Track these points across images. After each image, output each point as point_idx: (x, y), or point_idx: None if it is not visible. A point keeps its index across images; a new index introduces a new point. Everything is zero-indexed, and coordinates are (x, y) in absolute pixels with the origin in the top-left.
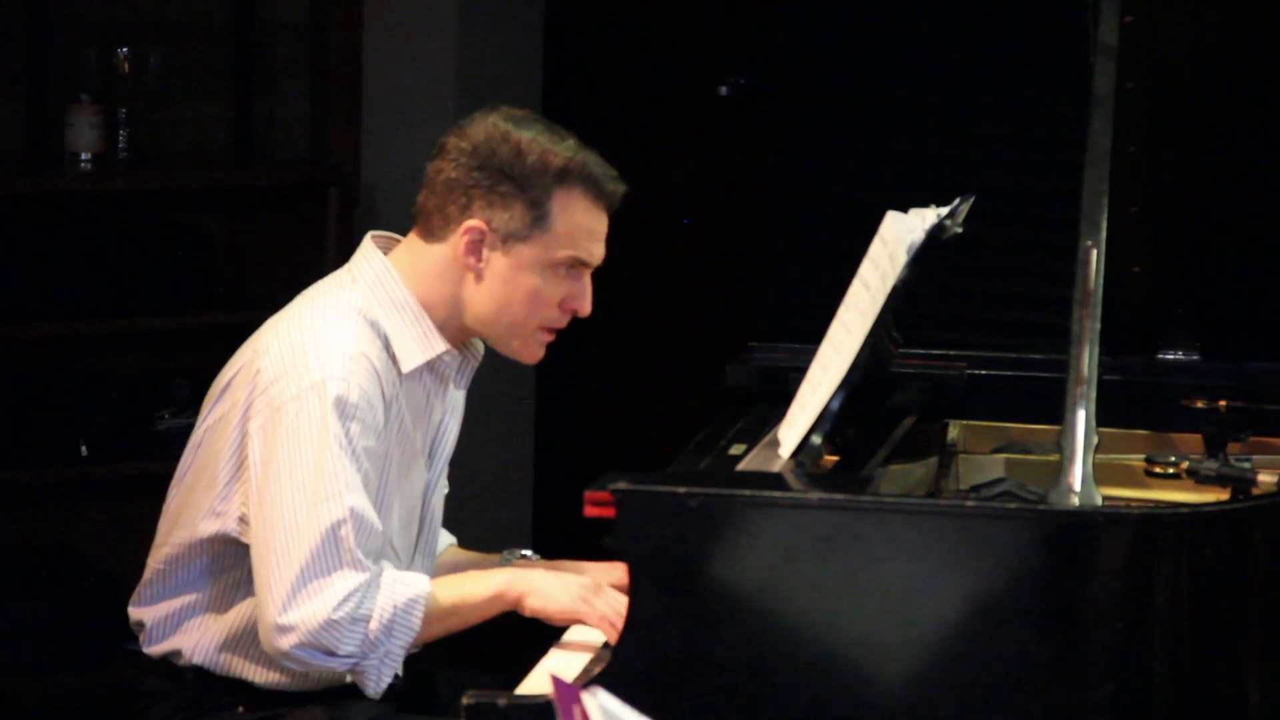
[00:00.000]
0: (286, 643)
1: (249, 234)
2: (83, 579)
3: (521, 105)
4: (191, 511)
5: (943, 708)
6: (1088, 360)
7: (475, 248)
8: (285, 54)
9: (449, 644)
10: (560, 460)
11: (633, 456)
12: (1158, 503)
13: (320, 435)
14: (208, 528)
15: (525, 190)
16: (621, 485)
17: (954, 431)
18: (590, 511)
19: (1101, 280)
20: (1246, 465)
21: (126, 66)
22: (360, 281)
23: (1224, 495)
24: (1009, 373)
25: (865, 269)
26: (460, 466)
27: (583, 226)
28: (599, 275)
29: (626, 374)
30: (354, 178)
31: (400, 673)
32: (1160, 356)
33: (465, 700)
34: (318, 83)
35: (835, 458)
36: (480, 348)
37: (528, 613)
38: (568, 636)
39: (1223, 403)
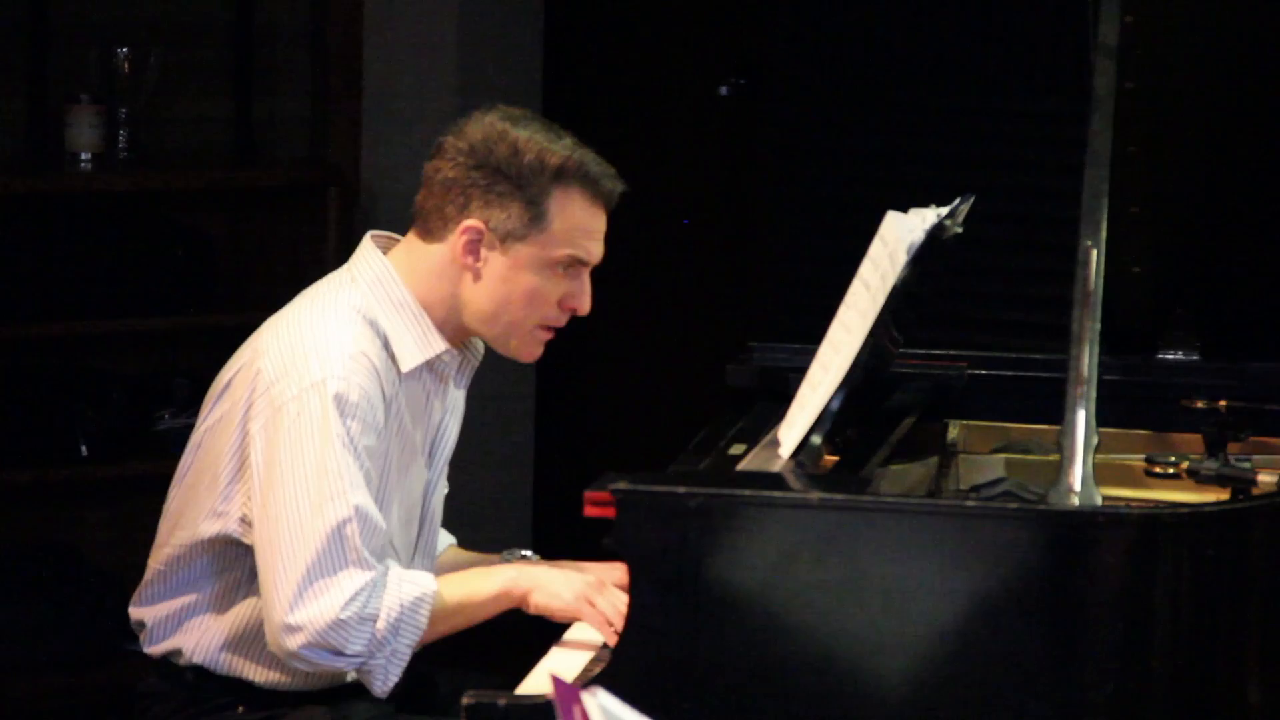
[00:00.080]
0: (294, 643)
1: (249, 234)
2: (83, 579)
3: (521, 105)
4: (192, 512)
5: (943, 708)
6: (1088, 360)
7: (473, 247)
8: (285, 54)
9: (449, 644)
10: (560, 460)
11: (633, 456)
12: (1158, 503)
13: (322, 434)
14: (209, 528)
15: (523, 189)
16: (621, 485)
17: (954, 431)
18: (590, 511)
19: (1101, 280)
20: (1246, 465)
21: (126, 66)
22: (359, 281)
23: (1224, 495)
24: (1009, 373)
25: (865, 269)
26: (460, 466)
27: (580, 225)
28: (599, 275)
29: (626, 374)
30: (354, 178)
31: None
32: (1160, 356)
33: (465, 700)
34: (318, 83)
35: (835, 458)
36: (480, 347)
37: (532, 609)
38: (568, 636)
39: (1223, 403)
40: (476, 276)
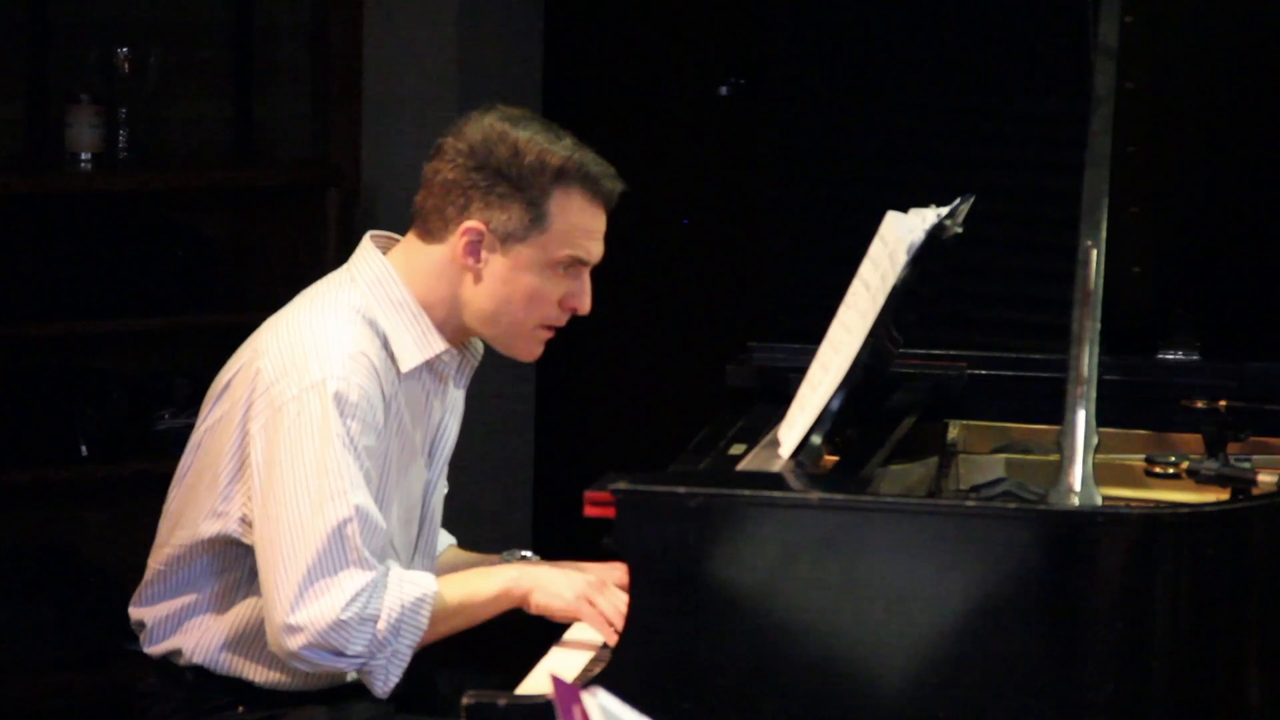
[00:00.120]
0: (295, 643)
1: (249, 234)
2: (83, 579)
3: (521, 105)
4: (192, 512)
5: (943, 708)
6: (1088, 360)
7: (474, 249)
8: (285, 54)
9: (449, 644)
10: (560, 460)
11: (633, 456)
12: (1158, 503)
13: (322, 434)
14: (209, 528)
15: (523, 191)
16: (621, 485)
17: (954, 431)
18: (590, 511)
19: (1101, 280)
20: (1246, 465)
21: (126, 66)
22: (359, 281)
23: (1224, 495)
24: (1009, 373)
25: (865, 269)
26: (460, 466)
27: (581, 225)
28: (599, 275)
29: (626, 374)
30: (354, 178)
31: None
32: (1160, 356)
33: (465, 700)
34: (318, 83)
35: (835, 458)
36: (479, 347)
37: (533, 609)
38: (568, 636)
39: (1223, 403)
40: (477, 278)
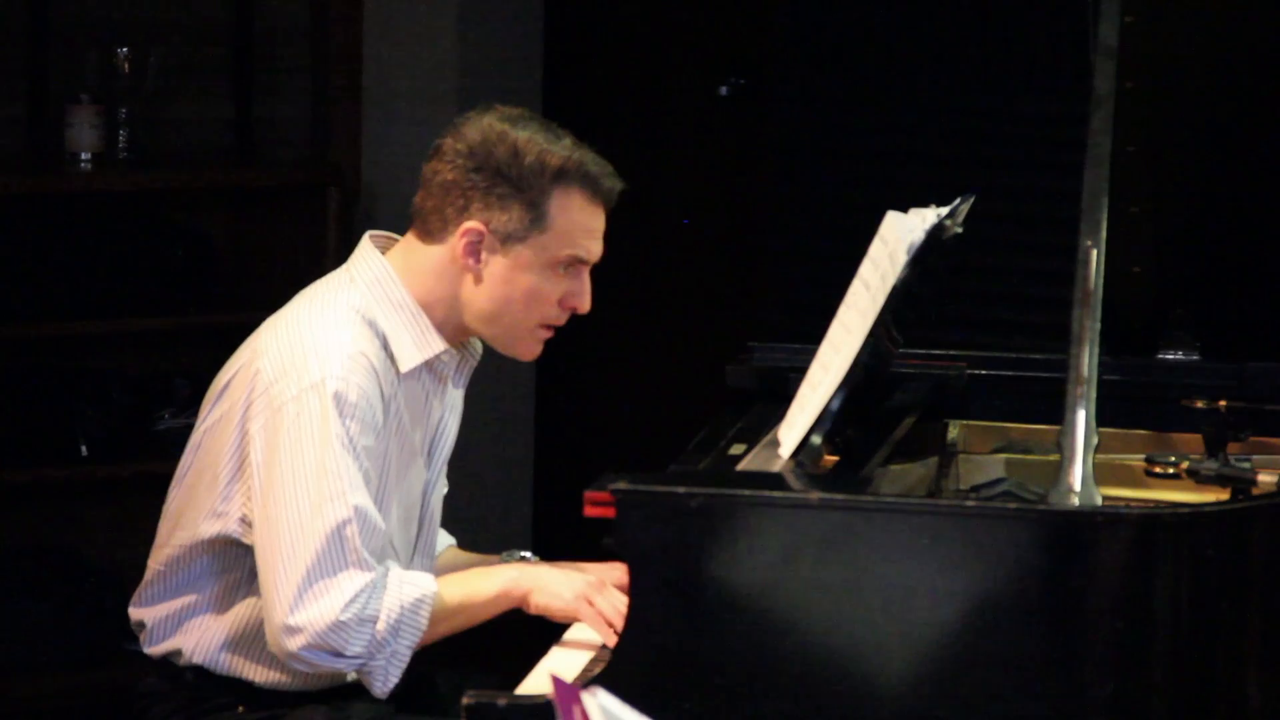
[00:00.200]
0: (294, 644)
1: (249, 234)
2: (83, 579)
3: (521, 105)
4: (192, 512)
5: (942, 707)
6: (1088, 360)
7: (474, 249)
8: (285, 54)
9: (449, 644)
10: (560, 460)
11: (633, 456)
12: (1158, 503)
13: (322, 434)
14: (209, 528)
15: (523, 191)
16: (621, 485)
17: (954, 431)
18: (590, 511)
19: (1101, 280)
20: (1246, 465)
21: (126, 66)
22: (358, 281)
23: (1224, 495)
24: (1009, 373)
25: (865, 269)
26: (460, 466)
27: (581, 225)
28: (599, 275)
29: (626, 374)
30: (354, 178)
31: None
32: (1160, 356)
33: (465, 700)
34: (318, 83)
35: (835, 458)
36: (479, 347)
37: (532, 610)
38: (568, 636)
39: (1223, 403)
40: (477, 278)
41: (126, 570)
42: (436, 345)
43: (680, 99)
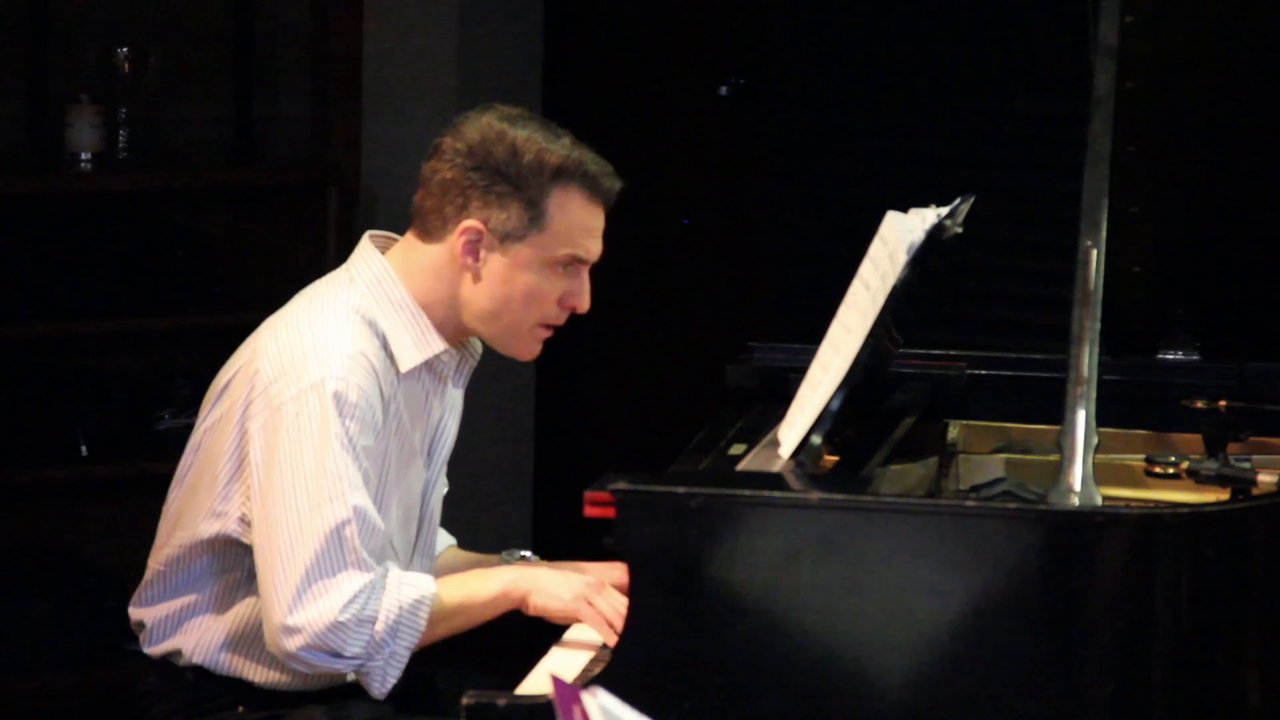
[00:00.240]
0: (293, 644)
1: (249, 234)
2: (83, 579)
3: (521, 105)
4: (192, 512)
5: (942, 707)
6: (1088, 360)
7: (473, 248)
8: (285, 54)
9: (449, 644)
10: (560, 460)
11: (633, 456)
12: (1158, 503)
13: (321, 435)
14: (208, 528)
15: (522, 189)
16: (621, 485)
17: (954, 431)
18: (590, 511)
19: (1101, 280)
20: (1246, 465)
21: (126, 66)
22: (358, 281)
23: (1224, 495)
24: (1009, 373)
25: (865, 269)
26: (460, 466)
27: (580, 224)
28: (599, 275)
29: (626, 374)
30: (354, 178)
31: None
32: (1160, 356)
33: (465, 700)
34: (318, 83)
35: (835, 458)
36: (478, 347)
37: (531, 611)
38: (568, 636)
39: (1223, 403)
40: (476, 277)
41: (126, 570)
42: (436, 345)
43: (680, 99)
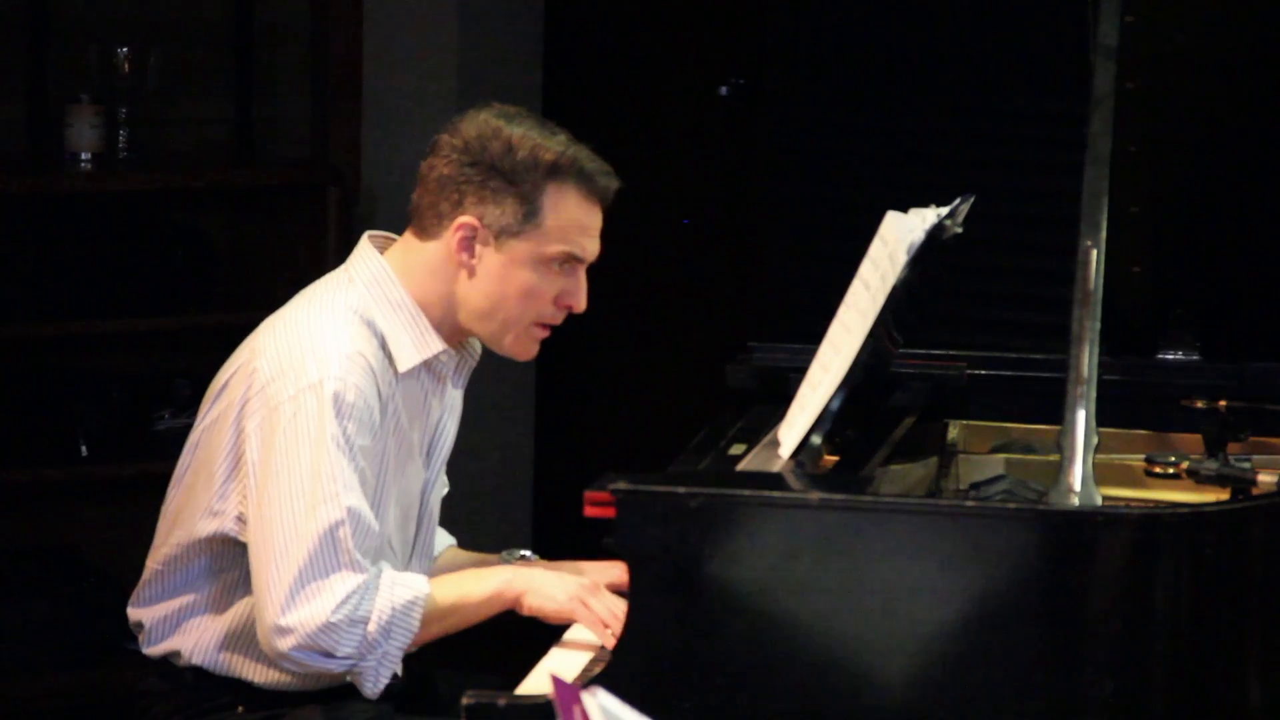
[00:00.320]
0: (285, 644)
1: (249, 234)
2: (83, 579)
3: (521, 105)
4: (189, 511)
5: (942, 707)
6: (1088, 360)
7: (468, 244)
8: (285, 54)
9: (449, 644)
10: (560, 460)
11: (633, 456)
12: (1158, 503)
13: (317, 435)
14: (206, 527)
15: (516, 185)
16: (621, 485)
17: (954, 431)
18: (590, 511)
19: (1101, 280)
20: (1246, 465)
21: (126, 66)
22: (357, 281)
23: (1224, 495)
24: (1009, 373)
25: (865, 269)
26: (460, 466)
27: (575, 221)
28: (599, 274)
29: (626, 374)
30: (354, 178)
31: (399, 672)
32: (1160, 356)
33: (465, 700)
34: (318, 83)
35: (835, 458)
36: (477, 347)
37: (525, 611)
38: (568, 636)
39: (1223, 403)
40: (471, 273)
41: (126, 570)
42: (435, 345)
43: (680, 99)
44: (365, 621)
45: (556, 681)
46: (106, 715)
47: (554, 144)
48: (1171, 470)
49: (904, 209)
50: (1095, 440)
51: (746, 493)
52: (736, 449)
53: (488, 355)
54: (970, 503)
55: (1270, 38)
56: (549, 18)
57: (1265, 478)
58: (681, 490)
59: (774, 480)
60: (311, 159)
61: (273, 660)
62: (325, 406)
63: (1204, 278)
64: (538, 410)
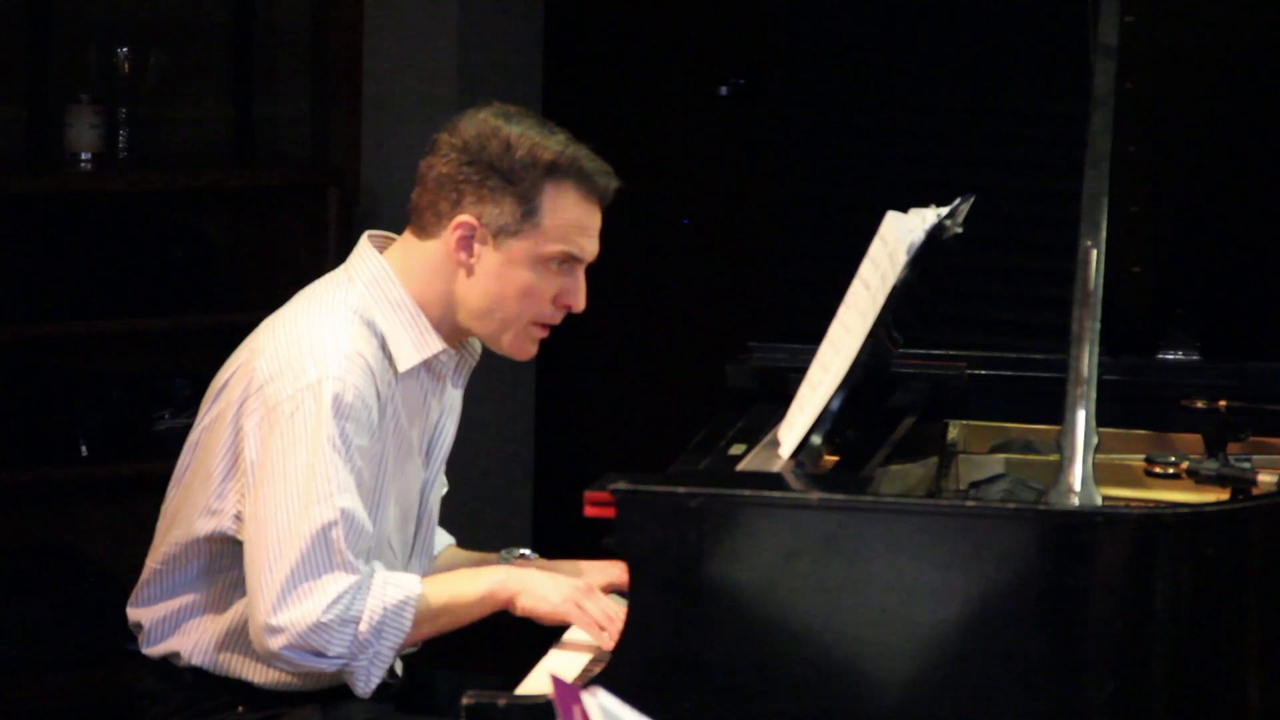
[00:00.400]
0: (276, 644)
1: (249, 234)
2: (83, 579)
3: (521, 105)
4: (188, 510)
5: (942, 707)
6: (1088, 360)
7: (466, 243)
8: (285, 54)
9: (449, 644)
10: (560, 460)
11: (633, 456)
12: (1158, 503)
13: (314, 436)
14: (204, 526)
15: (515, 184)
16: (621, 485)
17: (954, 431)
18: (590, 511)
19: (1101, 280)
20: (1246, 465)
21: (126, 66)
22: (356, 281)
23: (1224, 495)
24: (1009, 373)
25: (865, 269)
26: (460, 466)
27: (574, 221)
28: (599, 274)
29: (626, 374)
30: (354, 178)
31: (400, 672)
32: (1160, 356)
33: (465, 700)
34: (318, 83)
35: (835, 458)
36: (477, 347)
37: (519, 612)
38: (568, 636)
39: (1223, 403)
40: (470, 272)
41: (126, 570)
42: (435, 345)
43: (680, 99)
44: (356, 621)
45: (556, 681)
46: (106, 715)
47: (553, 143)
48: (1171, 470)
49: (904, 209)
50: (1095, 440)
51: (746, 493)
52: (736, 449)
53: (488, 355)
54: (970, 503)
55: (1270, 38)
56: (549, 18)
57: (1265, 478)
58: (681, 490)
59: (774, 480)
60: (311, 159)
61: (264, 659)
62: (323, 407)
63: (1204, 278)
64: (538, 410)
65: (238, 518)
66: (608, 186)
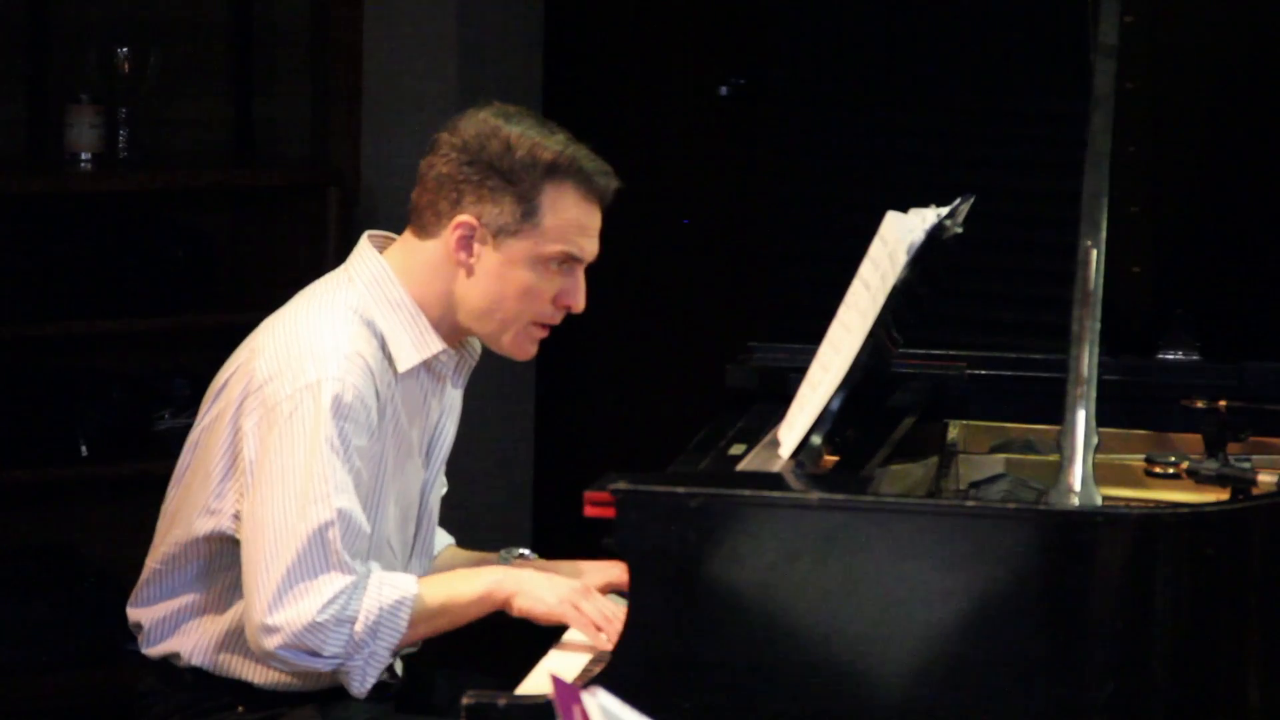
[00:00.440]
0: (271, 643)
1: (249, 234)
2: (83, 579)
3: (521, 105)
4: (188, 510)
5: (942, 708)
6: (1088, 360)
7: (466, 243)
8: (285, 54)
9: (449, 644)
10: (560, 460)
11: (633, 456)
12: (1158, 503)
13: (313, 436)
14: (203, 525)
15: (514, 184)
16: (621, 485)
17: (954, 431)
18: (590, 511)
19: (1101, 280)
20: (1246, 465)
21: (126, 66)
22: (356, 281)
23: (1224, 495)
24: (1009, 373)
25: (865, 269)
26: (460, 466)
27: (574, 221)
28: (599, 274)
29: (626, 374)
30: (354, 178)
31: (400, 672)
32: (1160, 356)
33: (465, 700)
34: (318, 83)
35: (835, 458)
36: (477, 347)
37: (515, 612)
38: (567, 636)
39: (1223, 403)
40: (469, 272)
41: (126, 570)
42: (435, 345)
43: (680, 99)
44: (352, 621)
45: (556, 681)
46: (106, 715)
47: (553, 143)
48: (1171, 470)
49: (904, 209)
50: (1095, 440)
51: (746, 493)
52: (736, 449)
53: (487, 355)
54: (970, 503)
55: (1270, 38)
56: (549, 17)
57: (1265, 478)
58: (681, 490)
59: (774, 480)
60: (311, 159)
61: (260, 659)
62: (322, 407)
63: (1204, 278)
64: (538, 410)
65: (237, 517)
66: (608, 186)
